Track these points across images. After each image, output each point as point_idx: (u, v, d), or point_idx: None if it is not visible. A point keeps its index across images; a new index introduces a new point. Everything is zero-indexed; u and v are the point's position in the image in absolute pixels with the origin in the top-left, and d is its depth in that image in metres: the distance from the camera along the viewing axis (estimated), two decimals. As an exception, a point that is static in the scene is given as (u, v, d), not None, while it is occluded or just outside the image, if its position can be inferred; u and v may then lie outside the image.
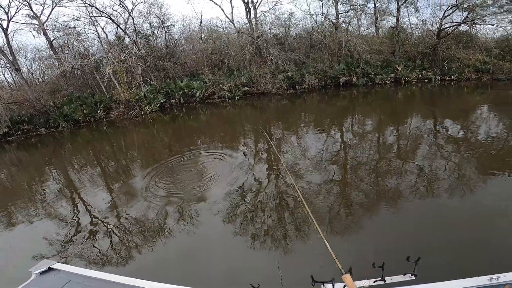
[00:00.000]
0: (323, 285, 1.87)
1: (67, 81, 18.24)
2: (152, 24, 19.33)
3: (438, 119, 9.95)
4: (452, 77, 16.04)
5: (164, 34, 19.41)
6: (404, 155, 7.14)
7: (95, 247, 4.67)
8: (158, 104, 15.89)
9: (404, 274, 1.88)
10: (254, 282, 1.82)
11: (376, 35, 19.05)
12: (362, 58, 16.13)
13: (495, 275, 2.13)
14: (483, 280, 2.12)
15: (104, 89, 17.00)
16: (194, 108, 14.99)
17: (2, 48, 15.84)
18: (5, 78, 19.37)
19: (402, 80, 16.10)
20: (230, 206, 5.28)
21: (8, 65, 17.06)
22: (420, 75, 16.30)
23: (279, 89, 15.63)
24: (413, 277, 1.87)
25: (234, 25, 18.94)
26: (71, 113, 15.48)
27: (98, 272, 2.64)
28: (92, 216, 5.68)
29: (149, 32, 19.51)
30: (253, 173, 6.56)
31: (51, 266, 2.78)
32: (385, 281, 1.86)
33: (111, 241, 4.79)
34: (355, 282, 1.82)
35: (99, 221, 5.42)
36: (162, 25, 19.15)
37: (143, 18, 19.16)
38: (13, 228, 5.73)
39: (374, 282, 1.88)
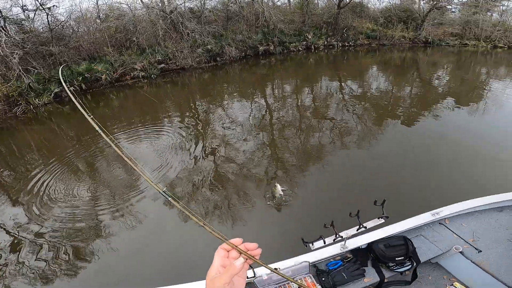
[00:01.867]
0: (312, 244, 1.96)
1: None
2: (25, 7, 15.34)
3: (342, 79, 11.45)
4: (350, 43, 18.58)
5: (46, 16, 15.62)
6: (321, 112, 8.02)
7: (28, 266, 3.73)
8: (52, 95, 12.99)
9: (378, 218, 1.99)
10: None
11: (288, 6, 20.01)
12: (278, 28, 16.77)
13: (437, 210, 2.43)
14: (427, 216, 2.41)
15: (-37, 87, 12.75)
16: (102, 94, 12.88)
17: None
18: None
19: (312, 47, 17.67)
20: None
21: None
22: (326, 42, 18.20)
23: (199, 63, 14.88)
24: (383, 220, 1.99)
25: (142, 0, 16.70)
26: None
27: None
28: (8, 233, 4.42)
29: (22, 16, 15.49)
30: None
31: None
32: (365, 227, 1.96)
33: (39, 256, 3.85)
34: (341, 232, 1.97)
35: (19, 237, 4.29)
36: (41, 7, 15.26)
37: (11, 1, 15.02)
38: None
39: (357, 230, 1.99)
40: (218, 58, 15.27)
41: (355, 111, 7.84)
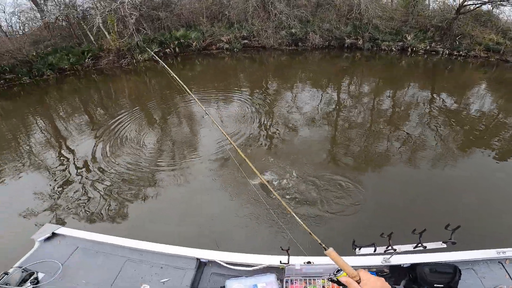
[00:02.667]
0: (359, 249, 1.87)
1: (50, 32, 17.15)
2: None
3: (436, 90, 9.72)
4: (461, 52, 15.46)
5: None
6: (396, 121, 7.05)
7: (88, 200, 4.48)
8: (152, 53, 15.18)
9: (443, 242, 1.84)
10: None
11: (390, 2, 17.92)
12: (372, 23, 15.24)
13: (504, 249, 2.24)
14: (491, 253, 2.23)
15: (92, 39, 16.04)
16: (190, 58, 14.32)
17: None
18: None
19: (409, 50, 15.45)
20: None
21: None
22: (428, 47, 15.64)
23: (280, 45, 14.89)
24: (445, 245, 1.85)
25: (238, -25, 17.35)
26: (56, 62, 14.74)
27: (105, 236, 2.49)
28: (79, 167, 5.46)
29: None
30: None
31: (55, 232, 2.59)
32: (425, 247, 1.83)
33: (103, 193, 4.62)
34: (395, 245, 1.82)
35: (88, 172, 5.23)
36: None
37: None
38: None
39: (414, 247, 1.87)
40: (300, 43, 14.91)
41: (440, 129, 6.59)
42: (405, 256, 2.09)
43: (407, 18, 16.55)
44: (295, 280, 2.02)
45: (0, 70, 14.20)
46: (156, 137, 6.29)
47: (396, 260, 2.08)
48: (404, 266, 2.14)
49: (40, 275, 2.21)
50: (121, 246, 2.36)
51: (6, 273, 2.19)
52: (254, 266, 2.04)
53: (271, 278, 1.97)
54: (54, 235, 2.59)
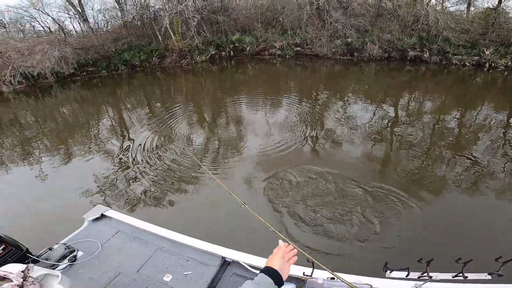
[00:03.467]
0: (390, 271, 1.73)
1: (127, 30, 19.50)
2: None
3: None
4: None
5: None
6: (461, 144, 6.21)
7: (135, 188, 4.83)
8: (209, 55, 16.28)
9: (488, 274, 1.62)
10: None
11: (466, 13, 15.92)
12: (443, 35, 13.75)
13: None
14: None
15: (160, 39, 17.82)
16: (243, 62, 14.91)
17: (72, 0, 17.31)
18: (74, 28, 21.17)
19: (487, 65, 13.47)
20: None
21: (77, 16, 18.82)
22: (510, 63, 13.42)
23: (334, 54, 14.44)
24: (489, 277, 1.62)
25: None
26: (129, 59, 16.87)
27: (143, 222, 2.60)
28: (134, 156, 6.02)
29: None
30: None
31: (104, 213, 2.77)
32: (465, 277, 1.66)
33: (150, 183, 4.95)
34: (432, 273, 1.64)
35: (140, 163, 5.69)
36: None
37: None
38: (68, 162, 6.12)
39: (452, 277, 1.69)
40: (355, 53, 14.29)
41: None
42: (441, 285, 1.82)
43: (486, 30, 14.50)
44: None
45: (85, 63, 16.83)
46: (204, 135, 6.72)
47: None
48: None
49: (80, 253, 2.34)
50: (156, 234, 2.46)
51: (51, 249, 2.35)
52: None
53: (290, 287, 1.93)
54: (102, 216, 2.76)
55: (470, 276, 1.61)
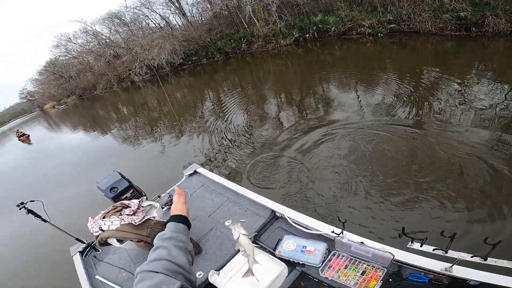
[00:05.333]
0: (412, 242, 1.72)
1: (218, 20, 21.22)
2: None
3: None
4: None
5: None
6: None
7: (225, 154, 5.76)
8: (293, 38, 16.35)
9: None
10: None
11: None
12: None
13: None
14: None
15: (246, 26, 18.85)
16: (328, 43, 14.34)
17: None
18: (176, 22, 24.13)
19: None
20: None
21: (177, 11, 21.64)
22: None
23: (442, 29, 11.94)
24: None
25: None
26: (222, 47, 18.74)
27: (220, 177, 3.15)
28: (234, 133, 6.92)
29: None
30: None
31: (196, 170, 3.43)
32: (485, 259, 1.57)
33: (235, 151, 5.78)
34: (450, 250, 1.60)
35: (240, 137, 6.58)
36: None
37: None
38: (179, 136, 7.84)
39: (471, 257, 1.62)
40: (473, 28, 11.49)
41: None
42: (476, 272, 1.65)
43: None
44: (342, 256, 2.02)
45: (189, 53, 19.74)
46: (293, 116, 7.11)
47: (462, 272, 1.67)
48: (472, 283, 1.69)
49: None
50: (227, 187, 2.94)
51: (159, 196, 3.12)
52: (312, 230, 2.20)
53: (321, 246, 2.06)
54: (195, 172, 3.43)
55: (496, 262, 1.50)
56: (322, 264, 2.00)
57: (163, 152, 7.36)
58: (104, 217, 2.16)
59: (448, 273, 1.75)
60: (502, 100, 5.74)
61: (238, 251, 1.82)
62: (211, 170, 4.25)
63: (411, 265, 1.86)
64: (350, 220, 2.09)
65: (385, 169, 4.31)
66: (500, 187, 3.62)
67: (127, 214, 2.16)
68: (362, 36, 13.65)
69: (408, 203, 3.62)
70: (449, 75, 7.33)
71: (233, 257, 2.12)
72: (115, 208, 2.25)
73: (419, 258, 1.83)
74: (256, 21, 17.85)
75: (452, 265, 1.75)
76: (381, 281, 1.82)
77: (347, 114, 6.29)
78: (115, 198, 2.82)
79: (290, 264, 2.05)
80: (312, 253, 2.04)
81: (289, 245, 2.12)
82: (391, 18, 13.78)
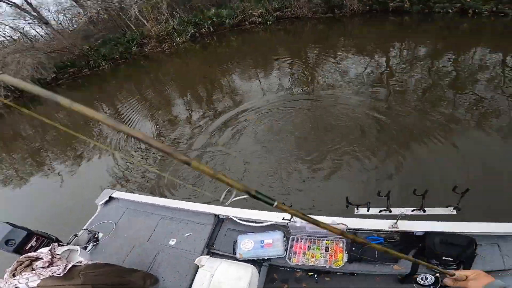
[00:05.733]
0: (357, 209, 1.79)
1: (96, 25, 18.44)
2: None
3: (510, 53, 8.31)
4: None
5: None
6: (462, 85, 6.26)
7: (147, 176, 5.00)
8: (189, 35, 15.74)
9: (447, 207, 1.65)
10: None
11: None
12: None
13: None
14: None
15: (133, 28, 17.01)
16: (225, 35, 14.49)
17: (23, 6, 16.12)
18: (37, 33, 19.79)
19: (470, 11, 13.32)
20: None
21: (35, 20, 17.55)
22: (495, 8, 13.26)
23: (315, 13, 14.06)
24: (454, 211, 1.66)
25: None
26: (108, 53, 16.16)
27: (146, 197, 2.92)
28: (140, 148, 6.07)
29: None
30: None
31: (112, 196, 3.04)
32: (424, 211, 1.68)
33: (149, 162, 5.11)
34: (392, 207, 1.67)
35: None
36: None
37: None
38: (79, 162, 6.54)
39: (412, 211, 1.72)
40: (336, 10, 13.93)
41: None
42: (416, 223, 1.89)
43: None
44: (301, 239, 2.07)
45: (63, 66, 16.04)
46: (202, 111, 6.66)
47: (408, 226, 1.90)
48: (417, 234, 1.94)
49: (100, 235, 2.63)
50: (158, 205, 2.70)
51: (76, 235, 2.68)
52: (263, 222, 2.18)
53: (278, 235, 2.07)
54: (111, 198, 3.02)
55: (431, 211, 1.65)
56: (286, 252, 2.00)
57: (62, 185, 5.96)
58: (14, 275, 1.81)
59: (395, 229, 1.88)
60: (366, 67, 7.16)
61: (198, 267, 1.81)
62: (131, 191, 3.73)
63: (364, 230, 1.99)
64: (294, 203, 1.95)
65: (304, 145, 4.63)
66: (390, 132, 4.27)
67: (42, 267, 1.82)
68: (254, 26, 14.33)
69: (336, 172, 3.96)
70: (327, 52, 8.66)
71: (195, 274, 1.92)
72: (21, 264, 1.88)
73: (368, 221, 1.94)
74: (145, 22, 16.26)
75: (396, 221, 1.86)
76: (346, 252, 1.94)
77: (254, 100, 6.46)
78: (18, 251, 2.38)
79: (256, 262, 2.00)
80: (273, 245, 2.01)
81: (247, 245, 2.05)
82: (276, 5, 15.13)
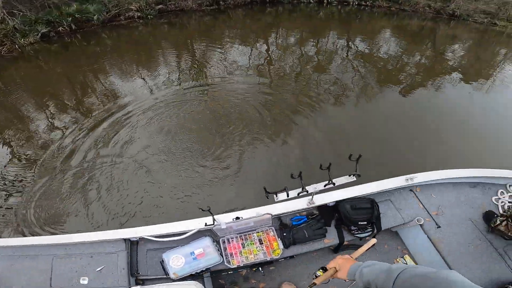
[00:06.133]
0: (276, 196, 1.76)
1: None
2: None
3: (351, 37, 10.66)
4: (367, 2, 17.02)
5: None
6: (322, 66, 7.57)
7: None
8: (39, 35, 12.20)
9: (350, 175, 1.75)
10: None
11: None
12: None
13: (411, 175, 2.23)
14: (400, 181, 2.21)
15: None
16: (94, 33, 12.07)
17: None
18: None
19: (325, 1, 16.27)
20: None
21: None
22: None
23: (200, 5, 13.71)
24: (355, 178, 1.77)
25: None
26: None
27: (22, 238, 2.22)
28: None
29: None
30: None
31: None
32: (334, 184, 1.73)
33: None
34: (307, 186, 1.71)
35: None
36: None
37: None
38: None
39: (324, 186, 1.76)
40: (221, 2, 14.09)
41: (359, 71, 7.40)
42: (327, 195, 2.09)
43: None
44: (231, 239, 2.00)
45: None
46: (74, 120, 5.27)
47: (320, 200, 2.08)
48: (330, 205, 2.14)
49: None
50: (42, 244, 2.05)
51: None
52: (184, 233, 1.97)
53: (206, 241, 1.93)
54: None
55: (338, 181, 1.78)
56: (223, 256, 1.92)
57: None
58: None
59: (312, 205, 2.03)
60: (250, 55, 7.55)
61: None
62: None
63: (287, 213, 2.07)
64: (212, 205, 1.74)
65: (206, 139, 4.43)
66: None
67: None
68: (132, 21, 12.64)
69: (246, 160, 3.89)
70: (214, 44, 8.57)
71: None
72: None
73: (289, 203, 2.03)
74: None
75: (312, 197, 1.99)
76: (279, 238, 2.00)
77: (140, 100, 5.67)
78: None
79: (195, 277, 1.89)
80: (205, 254, 1.89)
81: (177, 261, 1.86)
82: (156, -1, 13.76)
